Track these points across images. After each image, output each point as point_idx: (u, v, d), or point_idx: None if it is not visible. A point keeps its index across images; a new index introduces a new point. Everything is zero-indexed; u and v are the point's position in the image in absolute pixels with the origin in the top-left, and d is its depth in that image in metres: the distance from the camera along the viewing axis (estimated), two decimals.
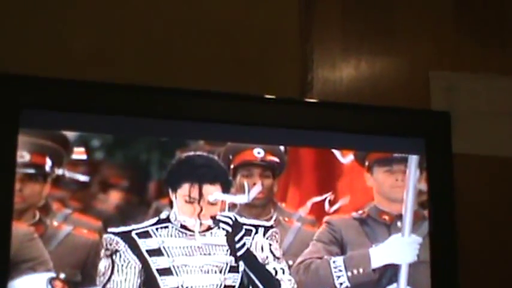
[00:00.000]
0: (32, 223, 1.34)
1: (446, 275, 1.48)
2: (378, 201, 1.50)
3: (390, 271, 1.47)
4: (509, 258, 1.64)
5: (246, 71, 1.62)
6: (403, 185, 1.49)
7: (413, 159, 1.51)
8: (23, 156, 1.34)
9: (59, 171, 1.36)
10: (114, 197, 1.38)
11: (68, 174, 1.36)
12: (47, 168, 1.35)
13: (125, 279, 1.36)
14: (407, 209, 1.48)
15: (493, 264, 1.62)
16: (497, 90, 1.75)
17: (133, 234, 1.38)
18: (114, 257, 1.36)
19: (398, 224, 1.49)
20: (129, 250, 1.37)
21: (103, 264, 1.36)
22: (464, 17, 1.78)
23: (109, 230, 1.37)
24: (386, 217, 1.50)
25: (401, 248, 1.48)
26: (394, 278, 1.46)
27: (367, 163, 1.50)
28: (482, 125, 1.71)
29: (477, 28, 1.78)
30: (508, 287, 1.62)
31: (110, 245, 1.36)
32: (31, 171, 1.34)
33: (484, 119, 1.72)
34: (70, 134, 1.37)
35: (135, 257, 1.37)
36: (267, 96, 1.51)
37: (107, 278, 1.35)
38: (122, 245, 1.37)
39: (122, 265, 1.36)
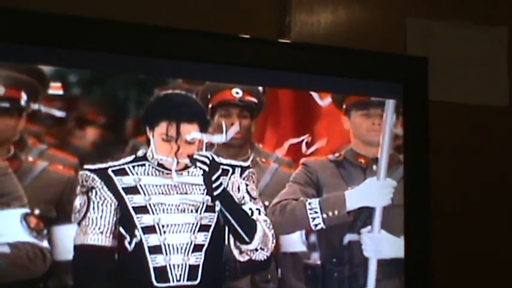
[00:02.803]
0: (6, 158, 1.31)
1: (419, 219, 1.50)
2: (354, 144, 1.51)
3: (365, 214, 1.48)
4: (480, 202, 1.67)
5: (225, 12, 1.59)
6: (380, 128, 1.50)
7: (390, 104, 1.51)
8: None
9: (35, 106, 1.33)
10: (91, 134, 1.36)
11: (44, 109, 1.33)
12: (22, 102, 1.32)
13: (101, 217, 1.35)
14: (383, 153, 1.49)
15: (464, 208, 1.65)
16: (472, 38, 1.76)
17: (109, 171, 1.36)
18: (90, 194, 1.35)
19: (374, 167, 1.50)
20: (105, 187, 1.36)
21: (78, 201, 1.34)
22: None
23: (85, 166, 1.35)
24: (362, 160, 1.51)
25: (376, 191, 1.49)
26: (369, 221, 1.48)
27: (344, 106, 1.51)
28: (457, 72, 1.73)
29: None
30: (479, 230, 1.66)
31: (86, 181, 1.35)
32: (5, 105, 1.31)
33: (459, 67, 1.73)
34: (46, 69, 1.34)
35: (111, 194, 1.36)
36: (247, 36, 1.49)
37: (82, 214, 1.34)
38: (98, 182, 1.35)
39: (98, 202, 1.35)
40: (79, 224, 1.34)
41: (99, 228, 1.34)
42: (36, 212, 1.32)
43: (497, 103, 1.74)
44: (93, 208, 1.35)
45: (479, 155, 1.69)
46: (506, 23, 1.78)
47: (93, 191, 1.35)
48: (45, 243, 1.31)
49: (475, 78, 1.74)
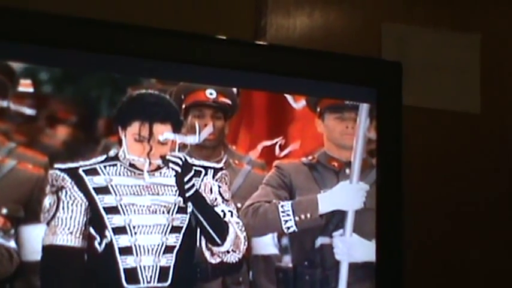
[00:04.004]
0: None
1: (391, 223, 1.50)
2: (328, 147, 1.51)
3: (337, 217, 1.48)
4: (453, 207, 1.68)
5: (201, 12, 1.59)
6: (353, 132, 1.50)
7: (364, 108, 1.51)
8: None
9: (4, 103, 1.31)
10: (62, 133, 1.34)
11: (14, 106, 1.31)
12: None
13: (71, 217, 1.33)
14: (356, 157, 1.49)
15: (437, 213, 1.66)
16: (446, 45, 1.77)
17: (80, 171, 1.35)
18: (59, 193, 1.33)
19: (347, 170, 1.50)
20: (75, 187, 1.34)
21: (48, 201, 1.32)
22: None
23: (55, 165, 1.33)
24: (336, 163, 1.51)
25: (349, 195, 1.49)
26: (341, 224, 1.48)
27: (318, 109, 1.50)
28: (428, 78, 1.74)
29: None
30: (451, 235, 1.67)
31: (56, 181, 1.33)
32: None
33: (433, 73, 1.74)
34: (16, 66, 1.32)
35: (81, 194, 1.34)
36: (222, 37, 1.48)
37: (51, 214, 1.32)
38: (68, 182, 1.34)
39: (68, 202, 1.33)
40: (48, 224, 1.32)
41: (68, 229, 1.32)
42: (4, 211, 1.29)
43: (469, 110, 1.75)
44: (63, 208, 1.33)
45: (451, 160, 1.70)
46: (480, 30, 1.79)
47: (63, 191, 1.33)
48: (12, 244, 1.28)
49: (448, 84, 1.76)
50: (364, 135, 1.51)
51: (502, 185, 1.73)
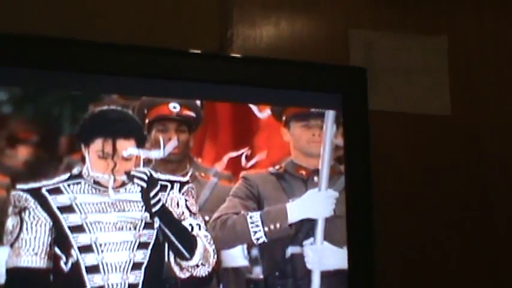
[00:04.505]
0: None
1: (361, 229, 1.49)
2: (295, 156, 1.50)
3: (307, 226, 1.47)
4: (424, 210, 1.68)
5: (164, 25, 1.58)
6: (320, 140, 1.50)
7: (330, 115, 1.51)
8: None
9: None
10: (23, 152, 1.33)
11: None
12: None
13: (35, 237, 1.32)
14: (324, 164, 1.49)
15: (407, 217, 1.65)
16: (412, 49, 1.77)
17: (43, 190, 1.33)
18: (23, 214, 1.32)
19: (315, 178, 1.49)
20: (39, 207, 1.32)
21: (11, 222, 1.31)
22: None
23: (17, 186, 1.32)
24: (303, 172, 1.50)
25: (318, 203, 1.48)
26: (311, 233, 1.47)
27: (284, 118, 1.50)
28: (397, 82, 1.74)
29: None
30: (422, 240, 1.66)
31: (19, 202, 1.32)
32: None
33: (400, 77, 1.74)
34: None
35: (45, 214, 1.33)
36: (183, 49, 1.47)
37: (15, 236, 1.30)
38: (31, 202, 1.32)
39: (32, 222, 1.32)
40: (11, 246, 1.30)
41: (33, 250, 1.31)
42: None
43: (439, 112, 1.75)
44: (27, 229, 1.31)
45: (421, 164, 1.70)
46: (446, 33, 1.80)
47: (27, 211, 1.32)
48: None
49: (418, 87, 1.75)
50: (331, 142, 1.50)
51: (474, 187, 1.73)
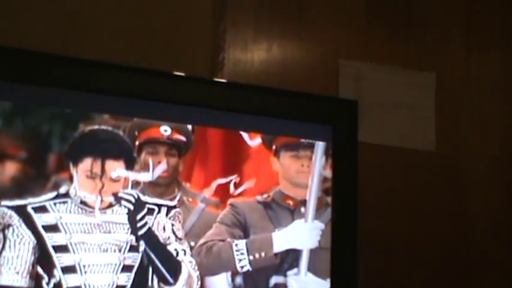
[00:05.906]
0: None
1: (345, 262, 1.50)
2: (283, 185, 1.50)
3: (292, 256, 1.47)
4: (407, 246, 1.68)
5: (157, 47, 1.58)
6: (309, 170, 1.50)
7: (319, 146, 1.51)
8: None
9: None
10: (10, 169, 1.31)
11: None
12: None
13: (17, 256, 1.29)
14: (312, 195, 1.49)
15: (391, 252, 1.66)
16: (400, 83, 1.78)
17: (29, 208, 1.31)
18: (6, 231, 1.29)
19: (302, 209, 1.49)
20: (23, 225, 1.30)
21: None
22: (375, 9, 1.80)
23: (2, 203, 1.30)
24: (291, 202, 1.50)
25: (304, 234, 1.48)
26: (295, 263, 1.47)
27: (274, 147, 1.50)
28: (386, 115, 1.75)
29: (386, 22, 1.81)
30: (406, 274, 1.66)
31: (3, 218, 1.29)
32: None
33: (389, 110, 1.75)
34: None
35: (29, 232, 1.31)
36: (177, 73, 1.47)
37: None
38: (15, 219, 1.30)
39: (15, 240, 1.30)
40: None
41: (15, 268, 1.29)
42: None
43: (424, 147, 1.76)
44: (9, 247, 1.29)
45: (406, 198, 1.71)
46: (434, 69, 1.82)
47: (10, 229, 1.30)
48: None
49: (404, 122, 1.77)
50: (320, 173, 1.50)
51: (457, 222, 1.74)
